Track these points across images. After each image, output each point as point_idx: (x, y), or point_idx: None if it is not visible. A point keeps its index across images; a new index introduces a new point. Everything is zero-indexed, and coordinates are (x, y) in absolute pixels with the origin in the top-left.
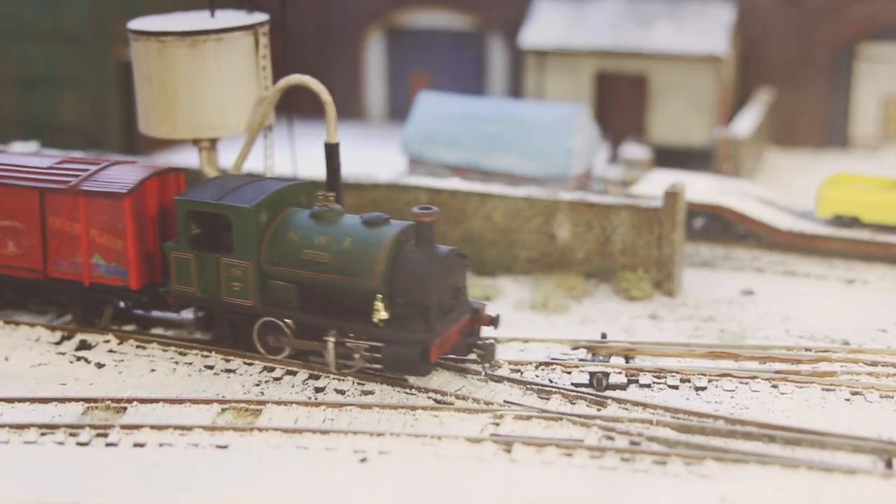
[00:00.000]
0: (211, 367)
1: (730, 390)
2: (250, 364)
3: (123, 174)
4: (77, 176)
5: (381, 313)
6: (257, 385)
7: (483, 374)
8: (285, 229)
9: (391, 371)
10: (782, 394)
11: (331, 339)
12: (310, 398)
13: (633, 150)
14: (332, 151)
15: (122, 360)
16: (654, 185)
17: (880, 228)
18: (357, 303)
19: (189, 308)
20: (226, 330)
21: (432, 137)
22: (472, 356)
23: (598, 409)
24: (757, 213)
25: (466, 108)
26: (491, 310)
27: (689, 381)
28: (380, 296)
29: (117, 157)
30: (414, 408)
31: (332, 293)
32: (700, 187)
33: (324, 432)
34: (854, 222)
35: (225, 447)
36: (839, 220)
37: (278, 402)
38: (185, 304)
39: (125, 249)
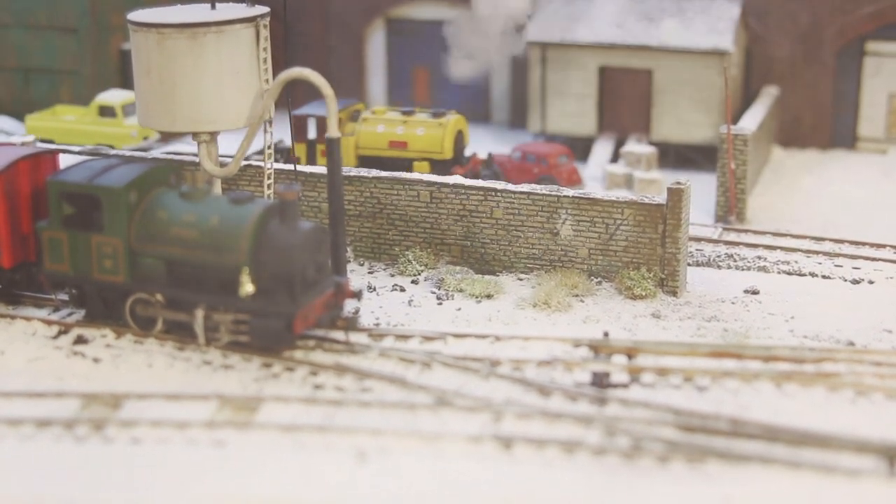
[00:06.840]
0: (209, 363)
1: (733, 390)
2: (248, 360)
3: None
4: None
5: (248, 287)
6: (256, 381)
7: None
8: (154, 208)
9: (258, 342)
10: (786, 394)
11: (199, 312)
12: (308, 395)
13: (637, 147)
14: (332, 145)
15: (119, 355)
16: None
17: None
18: (225, 277)
19: (62, 287)
20: (98, 307)
21: None
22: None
23: (600, 408)
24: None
25: None
26: (354, 284)
27: (691, 380)
28: (246, 270)
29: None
30: (414, 406)
31: (200, 269)
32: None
33: (322, 430)
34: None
35: (223, 444)
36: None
37: (277, 399)
38: (57, 283)
39: None
